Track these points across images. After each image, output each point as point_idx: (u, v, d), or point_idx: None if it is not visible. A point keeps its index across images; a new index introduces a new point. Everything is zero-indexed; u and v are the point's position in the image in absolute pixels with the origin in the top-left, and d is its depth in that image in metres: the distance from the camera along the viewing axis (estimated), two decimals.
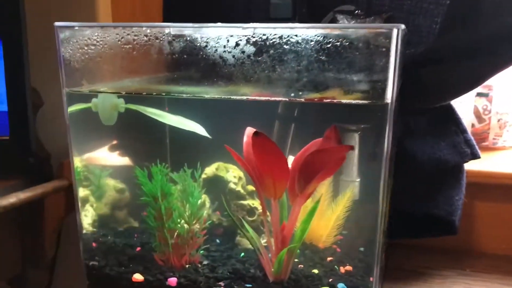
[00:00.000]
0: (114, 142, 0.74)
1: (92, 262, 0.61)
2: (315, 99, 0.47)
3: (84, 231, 0.66)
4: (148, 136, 0.69)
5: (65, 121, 0.62)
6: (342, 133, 0.57)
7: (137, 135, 0.69)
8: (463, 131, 0.81)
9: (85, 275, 0.61)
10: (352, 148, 0.50)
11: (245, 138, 0.57)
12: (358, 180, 0.66)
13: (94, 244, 0.65)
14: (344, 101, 0.46)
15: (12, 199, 0.83)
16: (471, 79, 0.76)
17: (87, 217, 0.68)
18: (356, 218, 0.65)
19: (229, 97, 0.51)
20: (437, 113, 0.81)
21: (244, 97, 0.50)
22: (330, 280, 0.56)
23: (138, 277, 0.59)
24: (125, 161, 0.71)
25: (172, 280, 0.57)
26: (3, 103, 0.87)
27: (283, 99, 0.49)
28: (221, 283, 0.56)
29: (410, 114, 0.81)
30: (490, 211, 0.89)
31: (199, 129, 0.60)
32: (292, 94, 0.48)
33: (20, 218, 0.97)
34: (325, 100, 0.47)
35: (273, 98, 0.50)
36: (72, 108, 0.62)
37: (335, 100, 0.47)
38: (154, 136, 0.70)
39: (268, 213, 0.57)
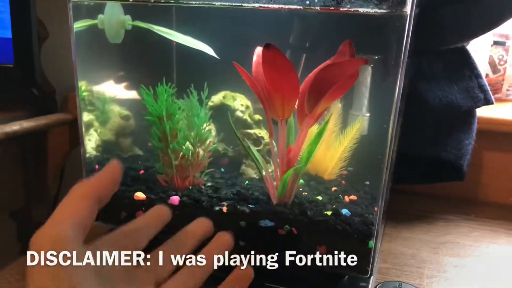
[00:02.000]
0: (121, 72, 0.72)
1: None
2: (331, 7, 0.45)
3: (87, 155, 0.65)
4: (154, 56, 0.68)
5: (71, 56, 0.60)
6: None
7: (144, 54, 0.67)
8: (478, 76, 0.79)
9: None
10: (366, 61, 0.48)
11: (254, 58, 0.55)
12: (368, 115, 0.64)
13: (97, 166, 0.64)
14: (361, 9, 0.44)
15: (15, 126, 0.82)
16: (489, 18, 0.73)
17: (91, 142, 0.67)
18: (363, 153, 0.64)
19: (240, 4, 0.49)
20: (451, 56, 0.79)
21: (256, 5, 0.48)
22: (333, 206, 0.55)
23: (140, 195, 0.58)
24: (132, 86, 0.70)
25: (175, 199, 0.56)
26: (7, 30, 0.85)
27: (298, 7, 0.47)
28: (224, 203, 0.56)
29: (424, 55, 0.79)
30: (498, 161, 0.87)
31: (207, 49, 0.59)
32: (308, 2, 0.45)
33: (24, 151, 0.96)
34: (341, 9, 0.45)
35: (287, 6, 0.47)
36: (78, 25, 0.60)
37: (352, 9, 0.45)
38: (161, 56, 0.68)
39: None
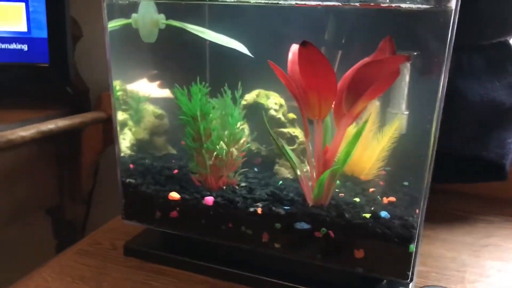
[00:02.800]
0: (155, 71, 0.72)
1: (129, 179, 0.60)
2: (371, 3, 0.43)
3: (122, 154, 0.65)
4: (188, 55, 0.67)
5: (104, 55, 0.60)
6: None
7: (177, 53, 0.67)
8: None
9: (121, 193, 0.60)
10: (408, 58, 0.46)
11: (290, 56, 0.54)
12: (407, 113, 0.62)
13: (131, 166, 0.64)
14: (403, 5, 0.43)
15: (51, 125, 0.83)
16: None
17: (125, 140, 0.67)
18: (402, 153, 0.62)
19: (276, 2, 0.48)
20: (493, 51, 0.76)
21: (293, 2, 0.47)
22: (372, 208, 0.54)
23: (174, 195, 0.57)
24: (166, 86, 0.70)
25: (209, 199, 0.56)
26: (43, 30, 0.86)
27: (336, 3, 0.45)
28: (259, 204, 0.55)
29: (464, 51, 0.76)
30: None
31: (241, 48, 0.58)
32: None
33: (58, 150, 0.98)
34: (382, 5, 0.43)
35: (324, 3, 0.46)
36: (112, 24, 0.60)
37: (393, 5, 0.43)
38: (194, 55, 0.68)
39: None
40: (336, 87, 0.49)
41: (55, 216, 1.08)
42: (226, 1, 0.53)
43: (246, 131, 0.67)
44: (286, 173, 0.65)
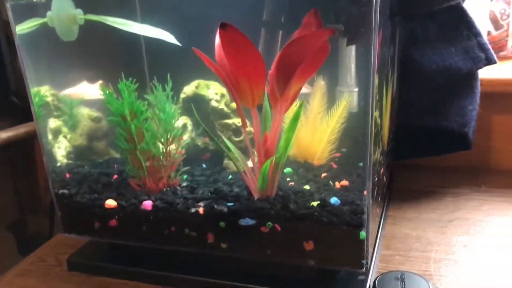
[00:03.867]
0: (86, 72, 0.68)
1: (62, 190, 0.56)
2: None
3: (58, 164, 0.61)
4: (121, 51, 0.63)
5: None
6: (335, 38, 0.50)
7: (109, 49, 0.62)
8: (477, 34, 0.72)
9: (56, 205, 0.56)
10: (334, 32, 0.42)
11: (216, 40, 0.50)
12: (356, 90, 0.58)
13: (67, 175, 0.60)
14: None
15: None
16: None
17: (60, 149, 0.62)
18: (355, 132, 0.58)
19: None
20: (446, 16, 0.72)
21: None
22: (321, 195, 0.50)
23: (110, 203, 0.53)
24: (98, 85, 0.65)
25: (147, 204, 0.52)
26: None
27: None
28: (201, 204, 0.51)
29: (416, 19, 0.72)
30: (509, 124, 0.81)
31: (168, 37, 0.53)
32: None
33: (12, 162, 0.93)
34: None
35: None
36: (26, 26, 0.55)
37: None
38: (128, 50, 0.63)
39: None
40: (264, 70, 0.45)
41: (17, 231, 1.04)
42: None
43: (189, 126, 0.63)
44: (240, 168, 0.61)
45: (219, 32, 0.44)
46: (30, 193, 0.99)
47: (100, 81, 0.67)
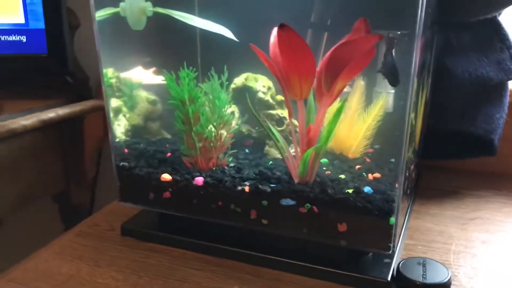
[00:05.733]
0: (147, 59, 0.74)
1: (122, 163, 0.63)
2: None
3: (117, 139, 0.68)
4: (179, 41, 0.69)
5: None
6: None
7: (169, 40, 0.69)
8: (510, 47, 0.77)
9: (116, 176, 0.63)
10: (381, 38, 0.48)
11: (271, 39, 0.55)
12: (392, 91, 0.63)
13: (126, 150, 0.66)
14: None
15: (51, 114, 0.86)
16: None
17: (120, 127, 0.69)
18: (388, 131, 0.63)
19: None
20: (481, 28, 0.77)
21: None
22: (355, 184, 0.56)
23: (166, 176, 0.60)
24: (158, 72, 0.72)
25: (199, 179, 0.58)
26: (40, 21, 0.88)
27: None
28: (246, 183, 0.57)
29: (452, 28, 0.77)
30: None
31: (226, 32, 0.59)
32: None
33: (62, 137, 1.01)
34: None
35: None
36: (101, 13, 0.62)
37: None
38: (185, 41, 0.69)
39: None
40: (314, 68, 0.51)
41: (62, 201, 1.12)
42: None
43: (237, 114, 0.69)
44: (276, 154, 0.67)
45: (278, 32, 0.50)
46: (77, 167, 1.06)
47: (154, 68, 0.74)
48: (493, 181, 0.82)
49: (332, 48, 0.51)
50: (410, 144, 0.55)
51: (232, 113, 0.68)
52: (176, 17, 0.60)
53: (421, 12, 0.45)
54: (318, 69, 0.52)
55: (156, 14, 0.63)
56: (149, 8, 0.61)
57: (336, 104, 0.55)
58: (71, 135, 1.02)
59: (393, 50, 0.54)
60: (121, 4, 0.61)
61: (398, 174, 0.51)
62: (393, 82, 0.53)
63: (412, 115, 0.53)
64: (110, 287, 0.54)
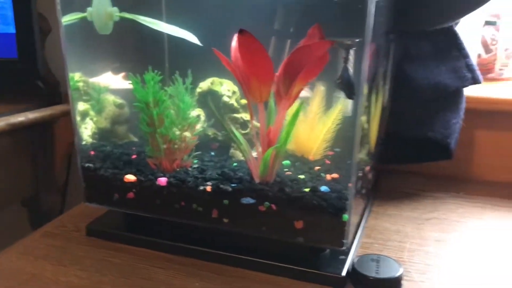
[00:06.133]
0: (115, 63, 0.76)
1: (88, 164, 0.64)
2: None
3: (83, 142, 0.69)
4: (148, 46, 0.71)
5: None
6: (338, 49, 0.58)
7: (135, 44, 0.71)
8: (465, 56, 0.81)
9: (81, 177, 0.64)
10: (332, 44, 0.50)
11: (232, 44, 0.58)
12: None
13: (92, 153, 0.68)
14: None
15: (21, 117, 0.86)
16: None
17: (87, 130, 0.70)
18: (346, 134, 0.66)
19: None
20: (439, 37, 0.80)
21: None
22: (313, 184, 0.58)
23: (130, 177, 0.61)
24: (126, 76, 0.73)
25: (162, 180, 0.60)
26: (10, 25, 0.89)
27: None
28: (209, 183, 0.59)
29: (411, 37, 0.80)
30: (490, 140, 0.88)
31: (191, 37, 0.61)
32: None
33: (32, 142, 1.01)
34: None
35: None
36: (68, 18, 0.63)
37: None
38: (153, 45, 0.71)
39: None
40: (272, 72, 0.53)
41: (31, 206, 1.11)
42: None
43: (202, 117, 0.71)
44: (240, 156, 0.69)
45: (238, 37, 0.52)
46: (47, 172, 1.07)
47: (123, 73, 0.76)
48: (452, 185, 0.85)
49: (289, 53, 0.53)
50: (362, 146, 0.58)
51: (198, 116, 0.70)
52: (142, 22, 0.62)
53: (370, 21, 0.47)
54: (277, 73, 0.55)
55: (124, 19, 0.65)
56: (116, 13, 0.63)
57: (294, 107, 0.58)
58: (41, 140, 1.02)
59: (350, 64, 0.57)
60: (88, 9, 0.63)
61: (351, 174, 0.54)
62: (349, 95, 0.56)
63: (364, 119, 0.55)
64: (73, 284, 0.55)
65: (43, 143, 1.03)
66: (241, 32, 0.51)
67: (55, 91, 1.05)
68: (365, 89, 0.51)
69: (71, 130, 1.03)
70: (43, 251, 0.62)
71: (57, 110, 0.96)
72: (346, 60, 0.57)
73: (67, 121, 1.02)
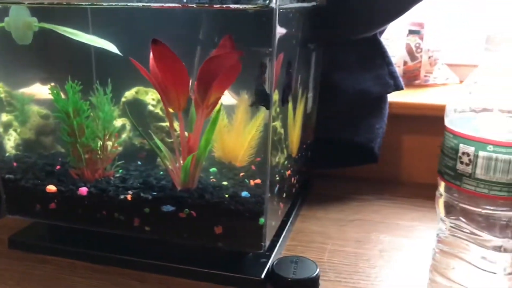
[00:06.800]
0: (39, 73, 0.75)
1: (8, 175, 0.63)
2: (206, 5, 0.49)
3: (7, 154, 0.68)
4: (64, 55, 0.71)
5: None
6: (256, 57, 0.60)
7: (54, 54, 0.70)
8: (388, 63, 0.84)
9: (2, 188, 0.63)
10: (241, 54, 0.52)
11: (151, 54, 0.59)
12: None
13: (15, 164, 0.67)
14: (232, 6, 0.48)
15: None
16: (394, 8, 0.78)
17: (10, 141, 0.69)
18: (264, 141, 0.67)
19: (125, 4, 0.53)
20: (363, 46, 0.84)
21: (140, 4, 0.52)
22: (233, 189, 0.59)
23: (51, 187, 0.61)
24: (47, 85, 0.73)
25: (83, 190, 0.60)
26: None
27: (175, 5, 0.51)
28: (129, 192, 0.59)
29: (337, 47, 0.83)
30: (416, 143, 0.93)
31: (111, 47, 0.62)
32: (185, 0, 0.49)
33: None
34: (215, 6, 0.49)
35: (166, 5, 0.51)
36: None
37: (224, 6, 0.48)
38: (71, 55, 0.71)
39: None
40: (188, 80, 0.55)
41: None
42: (78, 5, 0.57)
43: (128, 127, 0.71)
44: (168, 164, 0.69)
45: (151, 47, 0.53)
46: None
47: (52, 84, 0.75)
48: (379, 187, 0.89)
49: (202, 63, 0.55)
50: (280, 151, 0.60)
51: (123, 125, 0.71)
52: (62, 32, 0.62)
53: (275, 32, 0.49)
54: (196, 82, 0.56)
55: (48, 29, 0.64)
56: (35, 23, 0.63)
57: (213, 115, 0.59)
58: None
59: (264, 76, 0.59)
60: (6, 18, 0.62)
61: (266, 178, 0.55)
62: (267, 106, 0.57)
63: (277, 124, 0.57)
64: None
65: None
66: (154, 42, 0.52)
67: None
68: (275, 97, 0.53)
69: None
70: None
71: None
72: (261, 70, 0.59)
73: None
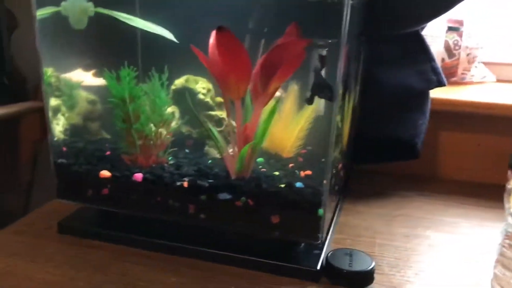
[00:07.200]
0: (88, 58, 0.75)
1: (61, 160, 0.63)
2: None
3: (55, 138, 0.68)
4: (121, 42, 0.71)
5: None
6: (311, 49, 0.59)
7: (110, 40, 0.70)
8: (431, 59, 0.84)
9: (55, 173, 0.63)
10: (310, 42, 0.52)
11: (210, 40, 0.58)
12: None
13: (64, 149, 0.67)
14: None
15: None
16: (439, 4, 0.77)
17: (58, 126, 0.69)
18: (320, 133, 0.67)
19: None
20: (407, 42, 0.83)
21: None
22: (288, 180, 0.59)
23: (105, 173, 0.61)
24: (99, 72, 0.73)
25: (138, 176, 0.60)
26: None
27: None
28: (185, 179, 0.59)
29: (380, 42, 0.83)
30: (453, 140, 0.92)
31: (167, 34, 0.62)
32: None
33: None
34: None
35: None
36: (41, 12, 0.62)
37: None
38: (125, 41, 0.71)
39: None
40: (250, 68, 0.54)
41: None
42: None
43: (177, 115, 0.71)
44: (215, 153, 0.69)
45: (216, 34, 0.53)
46: (10, 172, 1.04)
47: (94, 70, 0.75)
48: (418, 184, 0.88)
49: (267, 51, 0.54)
50: (336, 145, 0.60)
51: (172, 113, 0.71)
52: (118, 17, 0.62)
53: (345, 23, 0.49)
54: (254, 71, 0.56)
55: (98, 14, 0.64)
56: (91, 8, 0.62)
57: (271, 104, 0.59)
58: (5, 138, 1.00)
59: (323, 69, 0.58)
60: (63, 3, 0.62)
61: (326, 170, 0.55)
62: (330, 98, 0.57)
63: (338, 118, 0.57)
64: (47, 281, 0.54)
65: (7, 141, 1.00)
66: (219, 28, 0.52)
67: (22, 88, 1.03)
68: (340, 90, 0.53)
69: (37, 128, 1.02)
70: (14, 249, 0.60)
71: (23, 107, 0.94)
72: (322, 62, 0.58)
73: (33, 119, 1.00)
